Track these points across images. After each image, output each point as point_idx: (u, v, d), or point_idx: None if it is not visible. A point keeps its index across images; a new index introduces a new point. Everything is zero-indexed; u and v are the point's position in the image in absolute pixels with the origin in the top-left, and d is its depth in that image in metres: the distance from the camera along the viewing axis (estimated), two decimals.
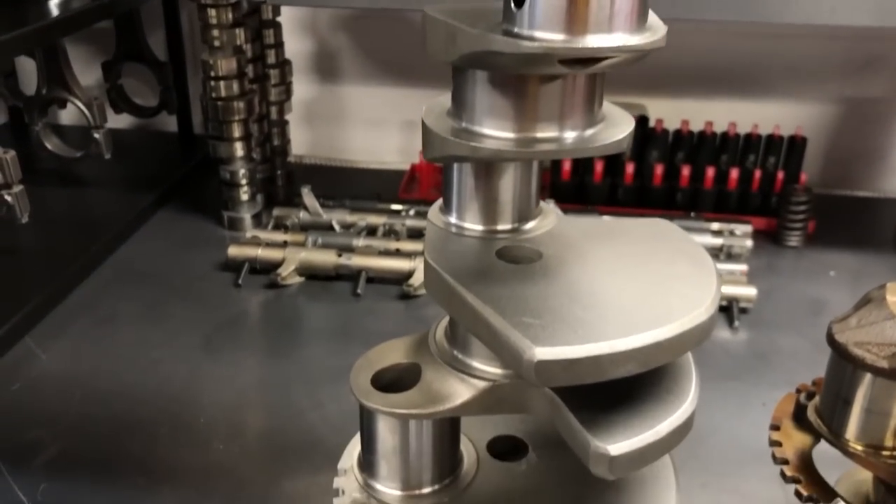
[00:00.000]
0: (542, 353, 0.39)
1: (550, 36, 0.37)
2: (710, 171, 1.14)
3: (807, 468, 0.58)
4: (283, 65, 1.19)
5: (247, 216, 1.13)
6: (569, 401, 0.44)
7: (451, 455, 0.52)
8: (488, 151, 0.42)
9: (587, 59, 0.37)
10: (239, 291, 0.99)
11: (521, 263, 0.47)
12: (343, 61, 1.34)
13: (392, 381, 0.50)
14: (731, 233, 1.06)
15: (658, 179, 1.16)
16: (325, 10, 1.28)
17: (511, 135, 0.43)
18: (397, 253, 1.01)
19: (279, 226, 1.10)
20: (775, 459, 0.59)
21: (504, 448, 0.56)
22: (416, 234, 1.07)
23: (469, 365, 0.48)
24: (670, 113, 1.19)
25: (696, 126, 1.17)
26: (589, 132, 0.44)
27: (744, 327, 0.92)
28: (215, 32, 1.02)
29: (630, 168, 1.16)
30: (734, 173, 1.14)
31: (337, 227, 1.09)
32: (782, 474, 0.58)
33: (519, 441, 0.56)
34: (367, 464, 0.52)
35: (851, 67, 1.22)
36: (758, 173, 1.14)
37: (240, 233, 1.11)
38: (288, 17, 1.21)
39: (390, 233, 1.07)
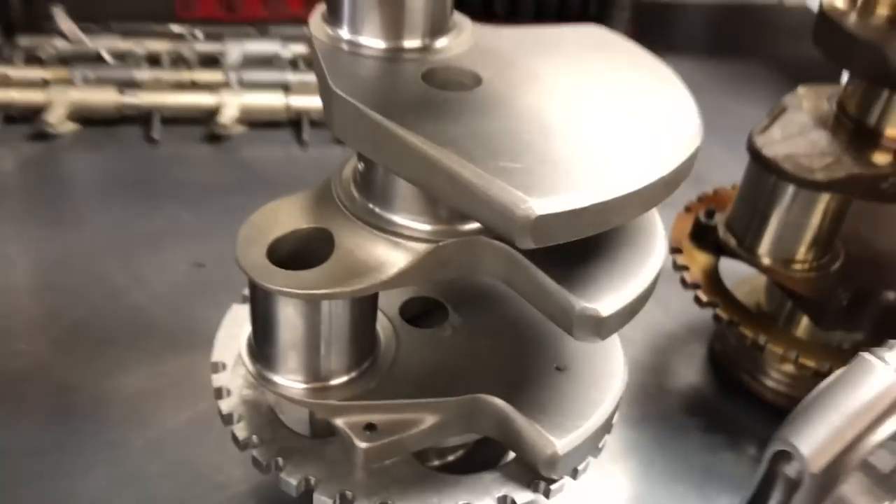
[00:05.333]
0: (542, 206, 0.30)
1: None
2: None
3: (717, 286, 0.55)
4: None
5: None
6: (534, 259, 0.36)
7: (369, 334, 0.42)
8: None
9: None
10: None
11: (460, 90, 0.37)
12: None
13: (293, 252, 0.39)
14: None
15: None
16: None
17: None
18: (194, 86, 0.84)
19: (31, 59, 0.87)
20: (685, 284, 0.56)
21: (418, 310, 0.47)
22: (210, 61, 0.90)
23: (398, 223, 0.38)
24: None
25: None
26: None
27: None
28: None
29: None
30: None
31: (108, 58, 0.88)
32: (697, 300, 0.55)
33: (432, 301, 0.48)
34: (264, 356, 0.41)
35: None
36: None
37: None
38: None
39: (179, 61, 0.89)
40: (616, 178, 0.32)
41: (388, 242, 0.37)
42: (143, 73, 0.84)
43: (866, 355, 0.31)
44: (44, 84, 0.81)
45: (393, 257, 0.37)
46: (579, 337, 0.35)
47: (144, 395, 0.56)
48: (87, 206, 0.73)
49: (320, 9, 0.39)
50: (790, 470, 0.32)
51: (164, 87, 0.83)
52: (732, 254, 0.55)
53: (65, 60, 0.87)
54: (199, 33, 0.94)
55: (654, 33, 1.10)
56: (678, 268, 0.56)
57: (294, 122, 0.83)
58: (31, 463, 0.50)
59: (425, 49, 0.38)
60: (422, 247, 0.37)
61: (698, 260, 0.57)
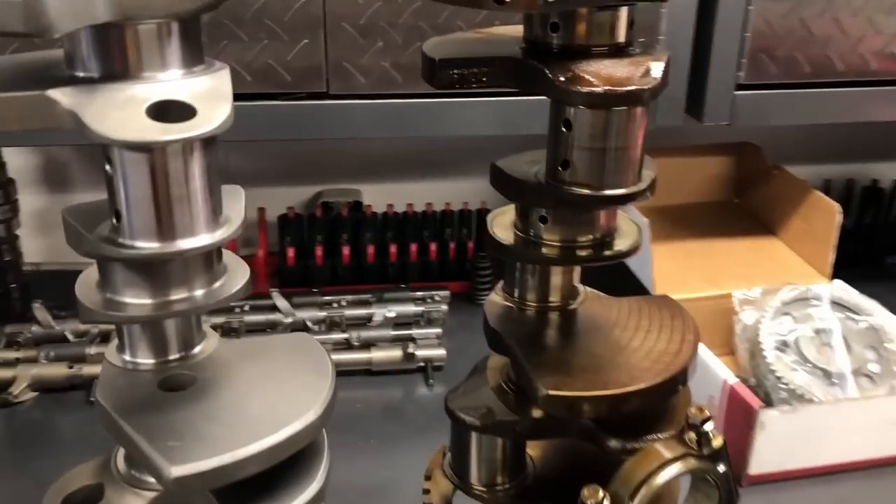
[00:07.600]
0: (178, 470, 0.51)
1: (148, 244, 0.50)
2: (413, 247, 1.32)
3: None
4: (7, 184, 1.24)
5: None
6: (222, 497, 0.56)
7: None
8: (139, 317, 0.54)
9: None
10: None
11: (179, 390, 0.59)
12: (68, 170, 1.40)
13: (83, 499, 0.60)
14: (433, 299, 1.24)
15: (371, 258, 1.32)
16: None
17: (149, 301, 0.55)
18: None
19: (11, 343, 1.14)
20: None
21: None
22: None
23: (143, 481, 0.59)
24: (378, 198, 1.36)
25: (400, 208, 1.34)
26: (215, 286, 0.57)
27: (439, 383, 1.10)
28: None
29: (346, 250, 1.32)
30: (433, 246, 1.33)
31: (70, 337, 1.15)
32: None
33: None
34: None
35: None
36: (452, 244, 1.33)
37: None
38: None
39: None
40: (237, 449, 0.53)
41: (133, 493, 0.59)
42: (92, 349, 1.10)
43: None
44: (15, 363, 1.07)
45: (134, 502, 0.58)
46: None
47: None
48: (41, 456, 0.96)
49: (115, 341, 0.63)
50: None
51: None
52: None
53: (38, 342, 1.14)
54: None
55: None
56: (424, 492, 0.75)
57: None
58: None
59: (182, 359, 0.61)
60: (150, 495, 0.58)
61: (441, 485, 0.75)
